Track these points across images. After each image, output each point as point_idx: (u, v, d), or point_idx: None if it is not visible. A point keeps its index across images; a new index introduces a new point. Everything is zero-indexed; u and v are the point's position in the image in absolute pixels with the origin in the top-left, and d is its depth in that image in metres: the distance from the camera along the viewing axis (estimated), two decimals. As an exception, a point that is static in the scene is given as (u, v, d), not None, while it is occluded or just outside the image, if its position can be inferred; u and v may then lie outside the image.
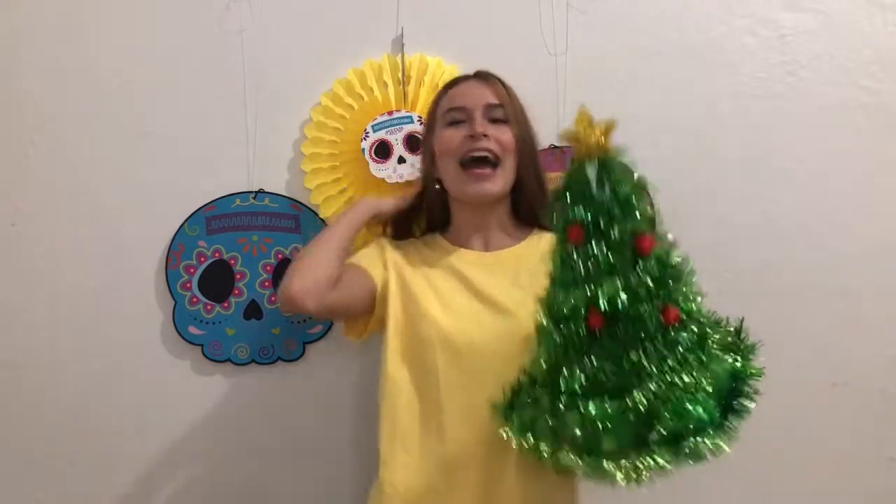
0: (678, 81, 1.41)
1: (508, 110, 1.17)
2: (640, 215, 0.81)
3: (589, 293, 0.80)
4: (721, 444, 0.81)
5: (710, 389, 0.81)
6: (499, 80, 1.21)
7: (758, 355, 0.89)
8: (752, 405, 0.84)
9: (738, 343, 0.89)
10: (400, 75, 1.35)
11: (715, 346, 0.86)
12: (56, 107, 1.38)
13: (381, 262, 1.18)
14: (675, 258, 0.84)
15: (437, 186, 1.21)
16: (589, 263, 0.80)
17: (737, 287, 1.42)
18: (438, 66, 1.36)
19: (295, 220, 1.38)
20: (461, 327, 1.10)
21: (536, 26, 1.40)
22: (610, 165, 0.81)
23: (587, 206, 0.80)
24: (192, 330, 1.37)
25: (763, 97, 1.42)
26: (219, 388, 1.39)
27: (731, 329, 0.91)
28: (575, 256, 0.81)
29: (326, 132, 1.34)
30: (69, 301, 1.38)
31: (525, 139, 1.18)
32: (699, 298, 0.85)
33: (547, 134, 1.32)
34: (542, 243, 1.19)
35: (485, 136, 1.13)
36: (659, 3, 1.42)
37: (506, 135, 1.15)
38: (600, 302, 0.79)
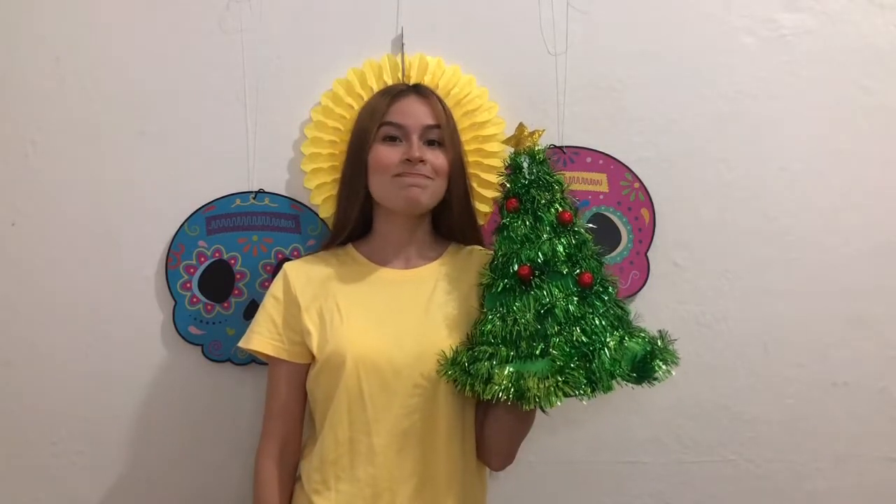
0: (678, 81, 1.41)
1: (445, 132, 1.17)
2: (563, 198, 1.05)
3: (520, 249, 1.02)
4: (626, 380, 0.95)
5: (619, 351, 0.96)
6: (437, 97, 1.20)
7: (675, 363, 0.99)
8: (660, 378, 0.97)
9: (660, 340, 1.01)
10: (400, 75, 1.35)
11: (637, 333, 1.00)
12: (56, 107, 1.38)
13: (286, 329, 1.15)
14: (595, 248, 1.05)
15: (364, 193, 1.18)
16: (520, 227, 1.03)
17: (737, 287, 1.43)
18: (438, 66, 1.36)
19: (295, 220, 1.38)
20: (381, 348, 1.09)
21: (536, 26, 1.40)
22: (538, 160, 1.06)
23: (520, 185, 1.05)
24: (192, 330, 1.37)
25: (763, 97, 1.42)
26: (219, 388, 1.39)
27: (655, 333, 1.03)
28: (509, 222, 1.05)
29: (326, 132, 1.34)
30: (69, 301, 1.38)
31: (457, 162, 1.19)
32: (616, 290, 1.04)
33: (547, 135, 1.32)
34: (458, 257, 1.22)
35: (421, 161, 1.12)
36: (659, 3, 1.42)
37: (439, 159, 1.15)
38: (526, 256, 1.01)
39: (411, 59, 1.36)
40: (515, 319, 0.99)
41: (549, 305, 0.98)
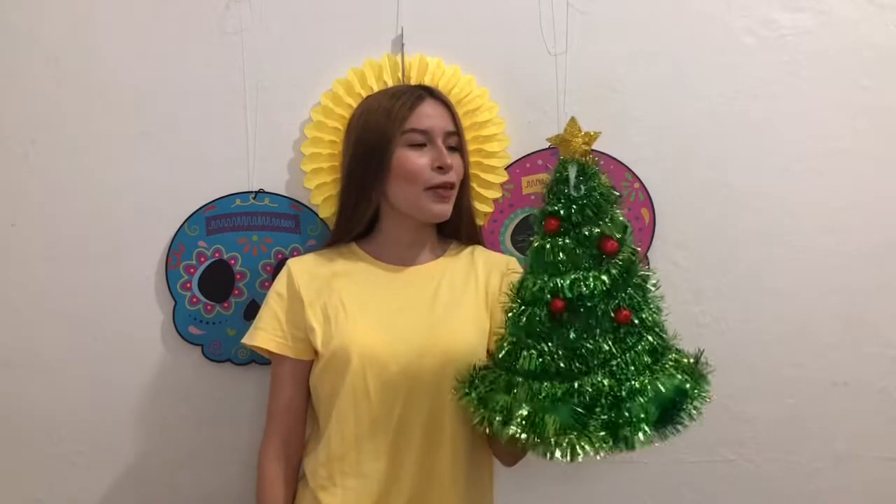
0: (678, 81, 1.41)
1: (461, 139, 1.20)
2: (611, 220, 0.89)
3: (555, 280, 0.88)
4: (651, 440, 0.87)
5: (651, 396, 0.87)
6: (449, 100, 1.22)
7: (708, 385, 0.94)
8: (688, 423, 0.90)
9: (694, 369, 0.94)
10: (400, 75, 1.35)
11: (670, 364, 0.91)
12: (56, 107, 1.38)
13: (290, 325, 1.16)
14: (640, 270, 0.92)
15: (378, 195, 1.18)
16: (559, 253, 0.88)
17: (737, 287, 1.43)
18: (438, 66, 1.36)
19: (295, 220, 1.38)
20: (387, 345, 1.09)
21: (536, 26, 1.40)
22: (589, 170, 0.89)
23: (564, 202, 0.88)
24: (192, 330, 1.37)
25: (763, 97, 1.42)
26: (219, 388, 1.39)
27: (692, 356, 0.96)
28: (547, 246, 0.89)
29: (326, 132, 1.34)
30: (69, 301, 1.38)
31: (467, 166, 1.22)
32: (660, 315, 0.92)
33: (547, 134, 1.32)
34: (461, 256, 1.23)
35: (450, 167, 1.15)
36: (659, 3, 1.42)
37: (458, 163, 1.18)
38: (563, 289, 0.87)
39: (411, 60, 1.36)
40: (542, 354, 0.88)
41: (578, 344, 0.87)
